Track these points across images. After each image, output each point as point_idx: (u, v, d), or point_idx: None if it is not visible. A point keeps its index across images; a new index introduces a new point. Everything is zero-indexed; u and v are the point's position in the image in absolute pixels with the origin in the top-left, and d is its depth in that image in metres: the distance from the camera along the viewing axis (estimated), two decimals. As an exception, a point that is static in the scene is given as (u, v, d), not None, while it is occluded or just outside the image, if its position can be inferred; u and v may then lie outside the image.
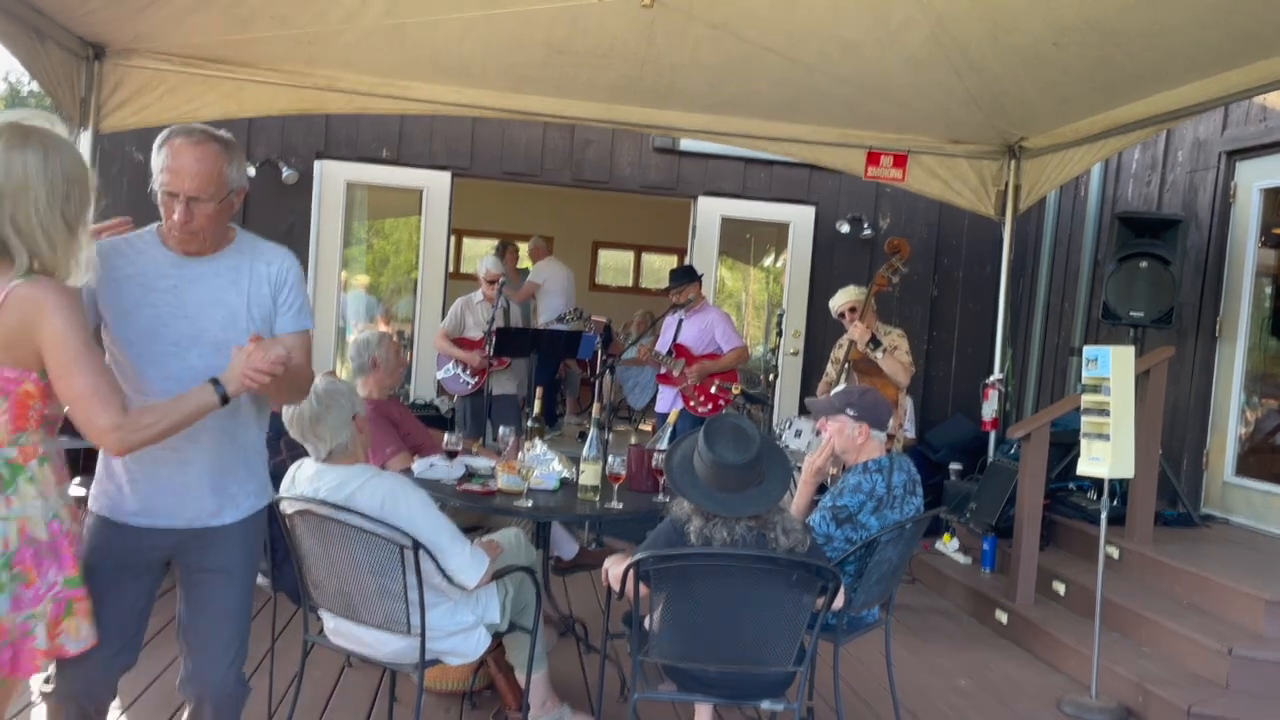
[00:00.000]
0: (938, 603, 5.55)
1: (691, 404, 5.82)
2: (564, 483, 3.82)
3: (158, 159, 2.28)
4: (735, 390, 5.76)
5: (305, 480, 2.84)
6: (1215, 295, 5.93)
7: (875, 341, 5.06)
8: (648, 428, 8.55)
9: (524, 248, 9.14)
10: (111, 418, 2.01)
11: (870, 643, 3.78)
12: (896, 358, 5.12)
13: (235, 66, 5.37)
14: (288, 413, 2.81)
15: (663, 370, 6.04)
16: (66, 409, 2.08)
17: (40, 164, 1.97)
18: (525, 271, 9.07)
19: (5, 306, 1.94)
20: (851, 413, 3.42)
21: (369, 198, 8.01)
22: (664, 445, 3.97)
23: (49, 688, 2.34)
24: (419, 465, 3.87)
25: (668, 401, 6.01)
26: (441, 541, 2.79)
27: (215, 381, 2.13)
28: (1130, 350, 4.12)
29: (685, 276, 6.10)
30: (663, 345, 6.09)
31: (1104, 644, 4.08)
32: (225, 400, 2.14)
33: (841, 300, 5.42)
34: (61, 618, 2.08)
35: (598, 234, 12.08)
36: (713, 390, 5.80)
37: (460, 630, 2.93)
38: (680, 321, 6.07)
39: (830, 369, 5.60)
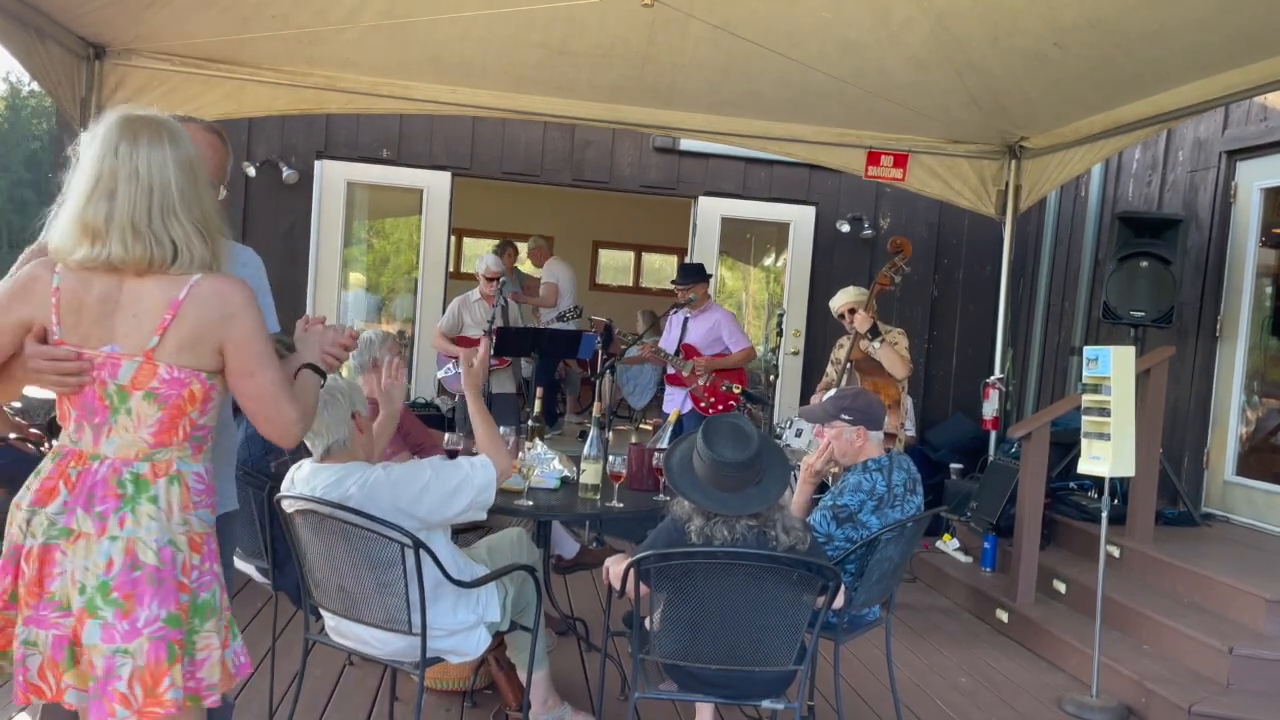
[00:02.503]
0: (939, 601, 5.55)
1: (702, 405, 5.81)
2: (565, 482, 3.82)
3: None
4: (736, 390, 5.76)
5: (302, 480, 2.84)
6: (1216, 295, 5.92)
7: (875, 330, 5.07)
8: (648, 427, 8.54)
9: (523, 248, 9.13)
10: (296, 408, 1.96)
11: (871, 641, 3.78)
12: (896, 351, 5.13)
13: (235, 66, 5.38)
14: None
15: (671, 371, 6.03)
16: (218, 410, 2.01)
17: (182, 157, 1.90)
18: (519, 272, 9.07)
19: (190, 302, 1.86)
20: (847, 418, 3.43)
21: (369, 198, 8.01)
22: (664, 444, 3.97)
23: None
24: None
25: (676, 402, 5.99)
26: (455, 485, 2.79)
27: (310, 365, 2.09)
28: (1131, 350, 4.12)
29: (696, 274, 6.08)
30: (669, 345, 6.08)
31: (1105, 643, 4.07)
32: None
33: (841, 300, 5.42)
34: (164, 662, 1.83)
35: (598, 234, 12.07)
36: (722, 390, 5.79)
37: (461, 629, 2.93)
38: (686, 321, 6.06)
39: (830, 370, 5.59)
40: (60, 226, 1.86)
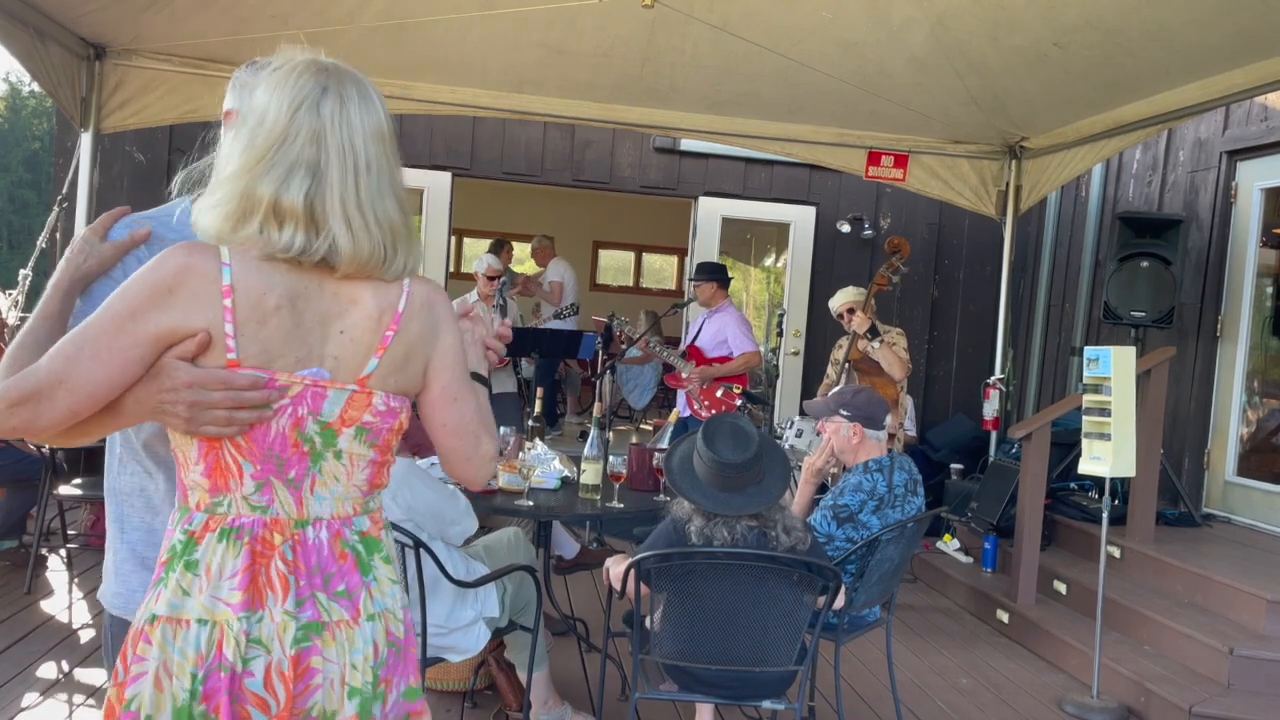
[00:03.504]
0: (939, 602, 5.54)
1: (695, 407, 5.80)
2: (565, 482, 3.82)
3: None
4: (736, 391, 5.75)
5: None
6: (1216, 295, 5.92)
7: (874, 330, 5.07)
8: (649, 427, 8.54)
9: (524, 248, 9.12)
10: (493, 443, 1.59)
11: (871, 642, 3.78)
12: (894, 351, 5.13)
13: (236, 66, 5.34)
14: None
15: (673, 370, 6.04)
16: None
17: (387, 123, 1.45)
18: (511, 272, 9.07)
19: (409, 315, 1.46)
20: (845, 413, 3.43)
21: (369, 198, 8.00)
22: (664, 444, 3.97)
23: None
24: (420, 465, 3.86)
25: (682, 401, 6.00)
26: (452, 512, 2.81)
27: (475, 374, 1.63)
28: (1131, 350, 4.12)
29: (703, 273, 6.06)
30: (685, 342, 6.09)
31: (1105, 643, 4.07)
32: None
33: (841, 300, 5.42)
34: None
35: (598, 234, 12.08)
36: (718, 395, 5.78)
37: (460, 627, 2.93)
38: (704, 321, 6.05)
39: (830, 370, 5.60)
40: (229, 198, 1.36)
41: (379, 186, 1.41)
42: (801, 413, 6.45)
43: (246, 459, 1.36)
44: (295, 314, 1.37)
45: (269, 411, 1.35)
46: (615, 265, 12.70)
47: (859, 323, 5.10)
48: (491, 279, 6.46)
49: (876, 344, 5.04)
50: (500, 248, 8.84)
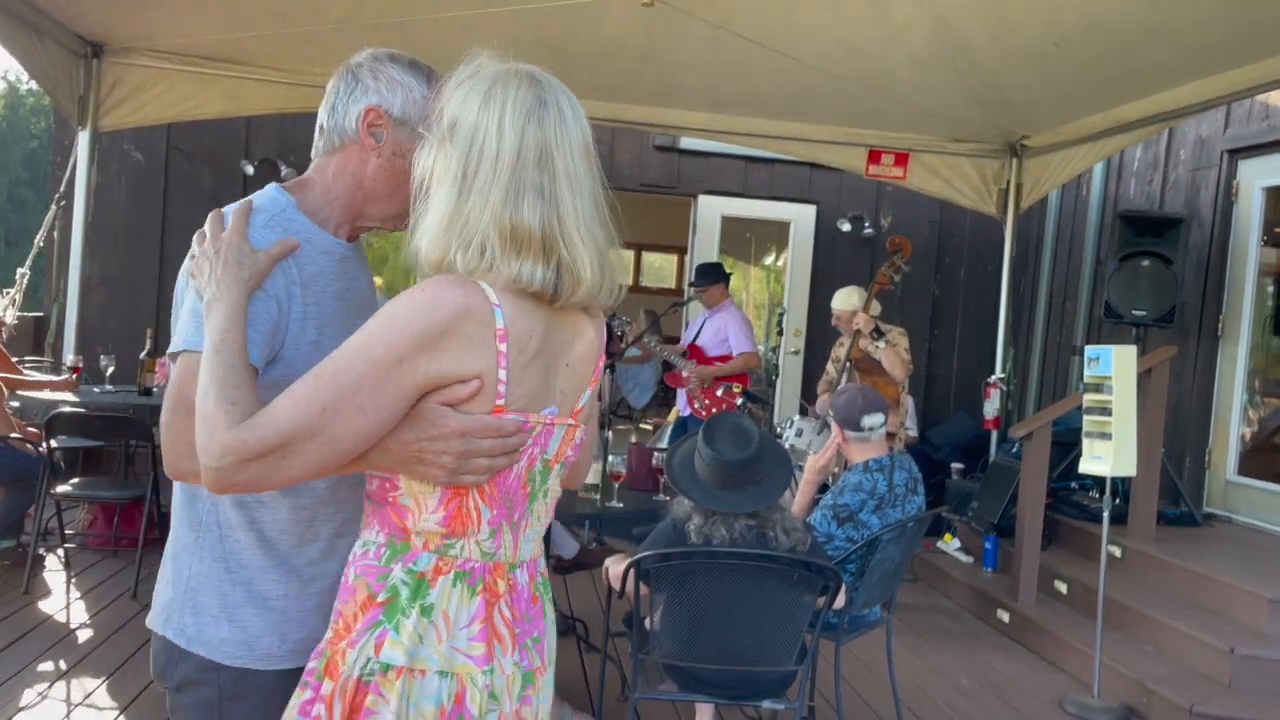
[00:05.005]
0: (940, 602, 5.53)
1: (696, 406, 5.79)
2: (564, 482, 3.81)
3: (421, 104, 1.43)
4: (736, 390, 5.74)
5: None
6: (1218, 294, 5.91)
7: (878, 331, 5.07)
8: (648, 427, 8.53)
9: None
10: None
11: (872, 642, 3.77)
12: (896, 352, 5.12)
13: (234, 64, 5.36)
14: None
15: (673, 369, 6.02)
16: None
17: (589, 137, 1.31)
18: None
19: (597, 346, 1.39)
20: (832, 415, 3.46)
21: (368, 196, 8.00)
22: (664, 444, 3.96)
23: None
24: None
25: (682, 400, 5.99)
26: None
27: None
28: (1132, 349, 4.11)
29: (709, 276, 6.04)
30: (684, 342, 6.08)
31: (1106, 643, 4.06)
32: None
33: (841, 305, 5.41)
34: None
35: (598, 233, 12.06)
36: (718, 394, 5.77)
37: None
38: (705, 320, 6.04)
39: (830, 368, 5.59)
40: (467, 227, 1.25)
41: (594, 207, 1.29)
42: (802, 412, 6.45)
43: (486, 504, 1.27)
44: (545, 352, 1.29)
45: (518, 455, 1.27)
46: (615, 264, 12.69)
47: (864, 323, 5.10)
48: None
49: (880, 345, 5.03)
50: None
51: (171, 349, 1.32)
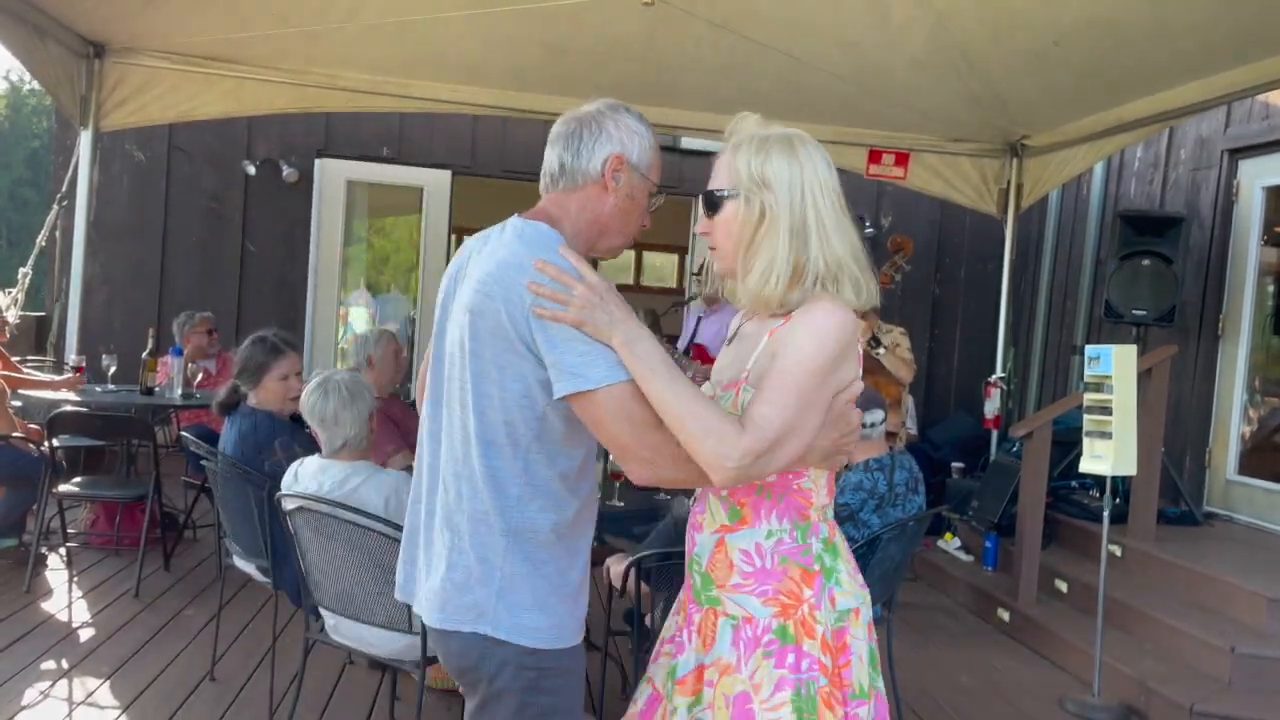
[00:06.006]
0: (940, 601, 5.54)
1: None
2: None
3: (650, 152, 1.79)
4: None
5: (309, 475, 2.84)
6: (1218, 293, 5.91)
7: (875, 340, 5.06)
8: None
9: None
10: None
11: (872, 641, 3.77)
12: (899, 355, 5.12)
13: (235, 64, 5.37)
14: (308, 400, 2.87)
15: None
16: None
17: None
18: None
19: None
20: None
21: (369, 196, 8.01)
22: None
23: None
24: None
25: None
26: None
27: None
28: (1132, 349, 4.11)
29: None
30: (682, 344, 6.07)
31: (1106, 642, 4.06)
32: None
33: None
34: None
35: (598, 233, 12.07)
36: None
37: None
38: (699, 320, 6.04)
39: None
40: (852, 267, 1.61)
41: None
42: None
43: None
44: None
45: None
46: (615, 264, 12.69)
47: (861, 331, 5.10)
48: None
49: (880, 352, 5.02)
50: None
51: (591, 385, 1.53)
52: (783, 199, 1.57)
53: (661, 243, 11.83)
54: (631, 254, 12.54)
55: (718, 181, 1.67)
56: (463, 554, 1.64)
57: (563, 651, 1.66)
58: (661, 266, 12.90)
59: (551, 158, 1.77)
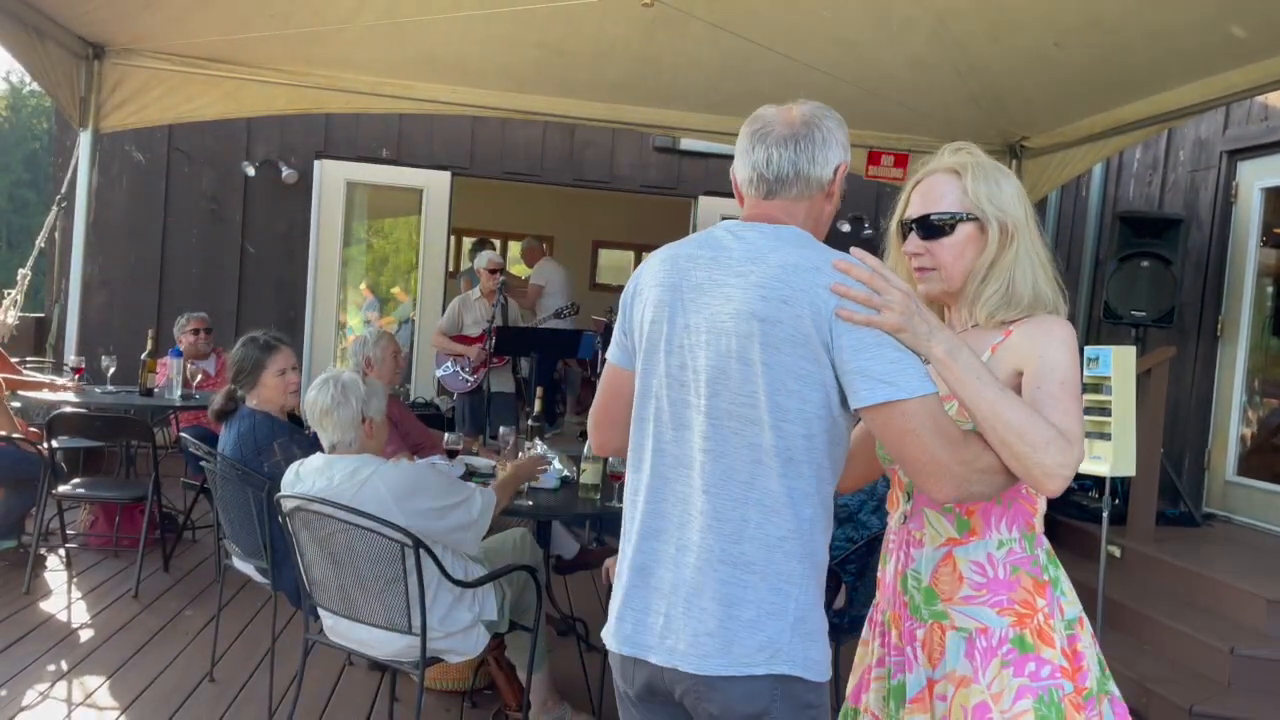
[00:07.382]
0: (939, 602, 5.54)
1: None
2: (564, 482, 3.81)
3: None
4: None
5: (313, 472, 2.82)
6: (1217, 295, 5.92)
7: None
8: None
9: (516, 246, 9.11)
10: None
11: (871, 642, 3.77)
12: None
13: (235, 66, 5.37)
14: (310, 396, 2.90)
15: None
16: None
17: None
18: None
19: None
20: None
21: (369, 197, 8.01)
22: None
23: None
24: (420, 464, 3.86)
25: None
26: (463, 519, 2.84)
27: None
28: (1131, 350, 4.10)
29: None
30: None
31: (1105, 643, 4.04)
32: None
33: None
34: None
35: (598, 234, 12.06)
36: None
37: (457, 630, 2.93)
38: None
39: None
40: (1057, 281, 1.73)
41: None
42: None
43: None
44: None
45: None
46: (615, 265, 12.69)
47: None
48: (494, 273, 6.41)
49: None
50: (481, 246, 8.81)
51: (905, 395, 1.44)
52: (1021, 223, 1.67)
53: (661, 243, 11.82)
54: (631, 254, 12.55)
55: (945, 205, 1.73)
56: (751, 588, 1.49)
57: (824, 687, 1.56)
58: (661, 267, 12.87)
59: (782, 163, 1.69)
